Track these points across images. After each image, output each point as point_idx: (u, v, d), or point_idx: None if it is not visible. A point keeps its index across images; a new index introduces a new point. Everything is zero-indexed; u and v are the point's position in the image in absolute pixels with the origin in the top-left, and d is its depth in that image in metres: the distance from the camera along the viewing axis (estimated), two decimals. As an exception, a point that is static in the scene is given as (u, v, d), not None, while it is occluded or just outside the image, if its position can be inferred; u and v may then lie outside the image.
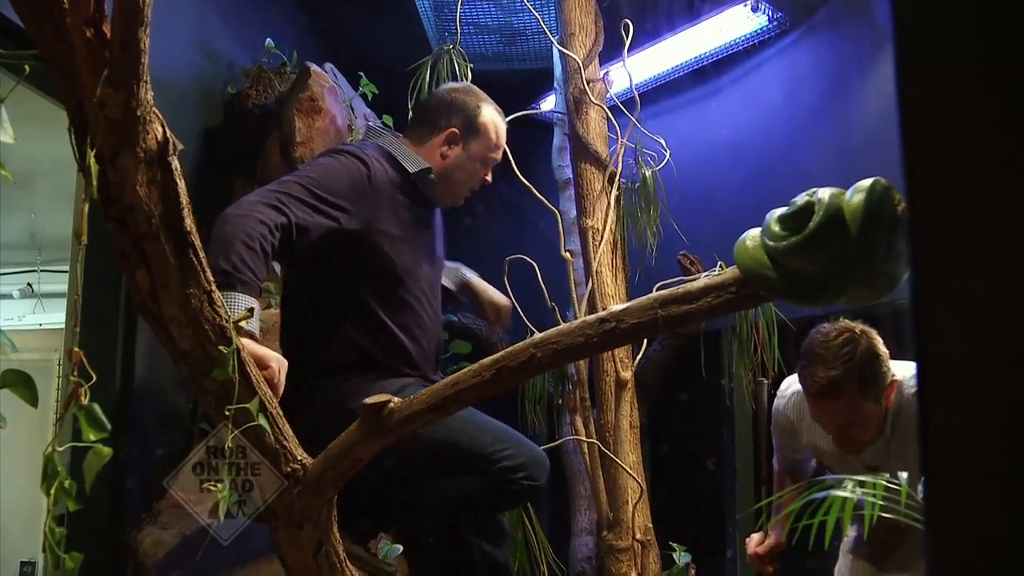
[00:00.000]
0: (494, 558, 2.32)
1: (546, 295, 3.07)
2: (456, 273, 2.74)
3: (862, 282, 1.37)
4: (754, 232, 1.45)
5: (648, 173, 3.14)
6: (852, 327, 2.21)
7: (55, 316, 5.74)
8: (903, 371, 2.27)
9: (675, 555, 3.04)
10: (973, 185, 0.61)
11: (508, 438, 2.22)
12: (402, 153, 2.34)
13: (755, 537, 2.70)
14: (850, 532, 2.58)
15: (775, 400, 2.61)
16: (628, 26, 3.23)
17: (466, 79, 3.25)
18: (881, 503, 1.81)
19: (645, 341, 3.17)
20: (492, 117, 2.43)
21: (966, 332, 0.60)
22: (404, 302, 2.31)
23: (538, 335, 1.57)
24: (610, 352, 2.93)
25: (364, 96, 3.44)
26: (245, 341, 1.83)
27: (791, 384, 2.54)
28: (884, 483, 1.86)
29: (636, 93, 3.27)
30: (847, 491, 1.90)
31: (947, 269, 0.61)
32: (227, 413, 1.74)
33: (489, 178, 2.53)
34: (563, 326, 1.55)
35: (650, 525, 3.04)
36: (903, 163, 0.63)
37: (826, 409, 2.23)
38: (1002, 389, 0.59)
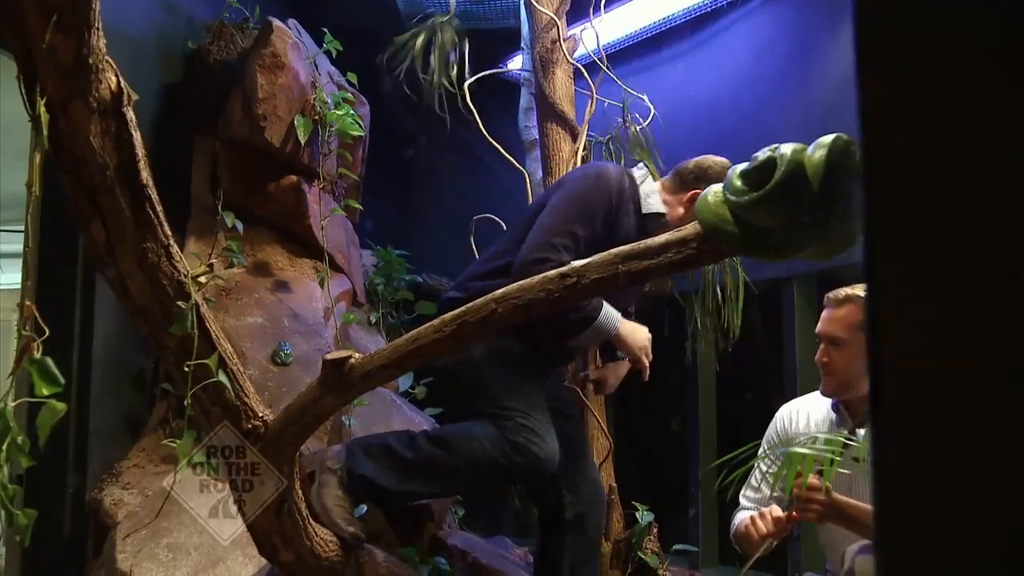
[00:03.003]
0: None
1: (512, 255, 3.05)
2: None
3: (823, 237, 1.37)
4: (716, 187, 1.45)
5: (635, 129, 3.12)
6: None
7: (14, 276, 5.63)
8: None
9: (638, 514, 3.07)
10: (929, 146, 0.61)
11: (535, 405, 2.32)
12: (648, 192, 2.54)
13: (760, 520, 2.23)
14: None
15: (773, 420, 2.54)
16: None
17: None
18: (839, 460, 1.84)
19: (610, 302, 3.18)
20: None
21: (917, 293, 0.60)
22: None
23: (499, 290, 1.56)
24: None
25: (328, 53, 3.38)
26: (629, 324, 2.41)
27: (791, 407, 2.50)
28: (843, 439, 1.89)
29: (603, 53, 3.25)
30: (807, 448, 1.93)
31: (900, 228, 0.61)
32: (186, 369, 1.73)
33: None
34: (524, 281, 1.54)
35: (614, 484, 3.06)
36: (859, 124, 0.63)
37: (836, 320, 2.23)
38: (954, 348, 0.59)
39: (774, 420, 2.52)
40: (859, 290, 2.23)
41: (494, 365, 2.33)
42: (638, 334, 2.42)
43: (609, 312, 2.35)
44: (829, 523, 2.22)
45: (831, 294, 2.30)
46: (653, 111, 3.17)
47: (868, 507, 2.04)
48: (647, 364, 2.43)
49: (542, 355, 2.49)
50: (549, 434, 2.29)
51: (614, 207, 2.41)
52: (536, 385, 2.39)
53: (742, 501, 2.46)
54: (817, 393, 2.35)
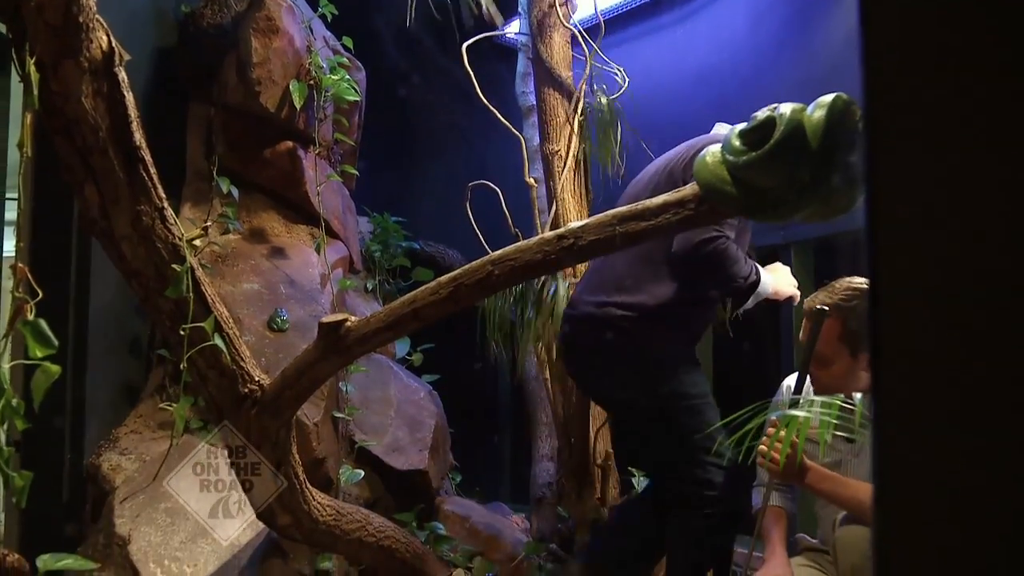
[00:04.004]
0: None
1: (509, 221, 3.04)
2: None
3: (821, 198, 1.36)
4: (714, 148, 1.44)
5: (605, 101, 3.08)
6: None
7: (12, 244, 5.61)
8: None
9: (634, 480, 3.08)
10: (931, 114, 0.60)
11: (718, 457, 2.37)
12: None
13: None
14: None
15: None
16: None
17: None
18: (835, 423, 1.84)
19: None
20: None
21: (918, 253, 0.60)
22: None
23: (496, 252, 1.55)
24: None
25: (323, 18, 3.35)
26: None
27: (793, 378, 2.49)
28: (839, 403, 1.89)
29: (601, 18, 3.21)
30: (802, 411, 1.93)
31: (901, 195, 0.60)
32: (182, 333, 1.72)
33: None
34: (521, 243, 1.53)
35: (610, 450, 3.07)
36: (863, 90, 0.62)
37: (807, 331, 2.18)
38: (952, 310, 0.59)
39: (779, 389, 2.52)
40: (834, 296, 2.14)
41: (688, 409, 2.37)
42: (785, 277, 2.46)
43: (761, 270, 2.35)
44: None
45: (806, 305, 2.23)
46: (627, 82, 3.12)
47: (843, 478, 2.05)
48: (797, 294, 2.47)
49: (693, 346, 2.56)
50: (721, 467, 2.36)
51: None
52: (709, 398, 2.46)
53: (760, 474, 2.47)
54: None
